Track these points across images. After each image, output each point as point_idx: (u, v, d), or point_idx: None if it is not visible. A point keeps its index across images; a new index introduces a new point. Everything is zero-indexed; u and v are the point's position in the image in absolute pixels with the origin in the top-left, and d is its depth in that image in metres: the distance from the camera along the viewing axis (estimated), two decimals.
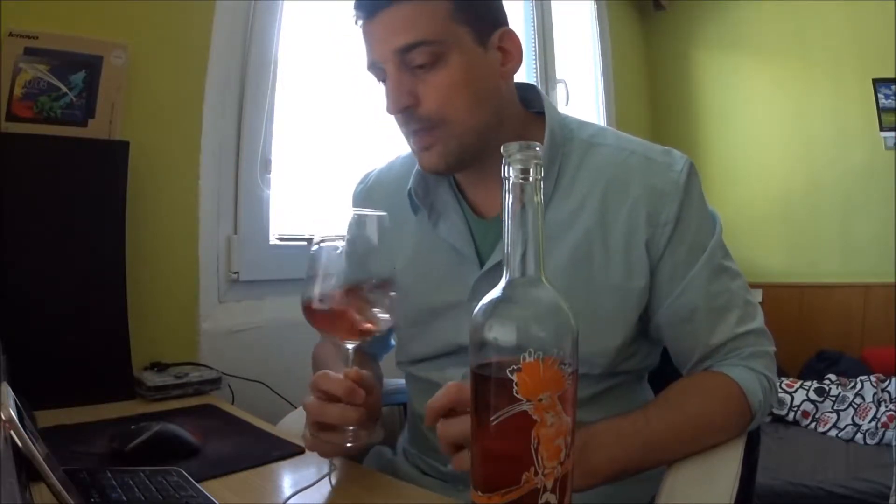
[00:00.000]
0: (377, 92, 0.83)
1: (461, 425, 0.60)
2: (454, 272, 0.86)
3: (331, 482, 0.76)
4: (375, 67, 0.81)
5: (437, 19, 0.76)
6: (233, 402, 1.27)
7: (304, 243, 1.66)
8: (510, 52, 0.82)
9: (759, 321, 0.83)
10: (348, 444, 0.71)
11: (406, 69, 0.78)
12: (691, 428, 0.76)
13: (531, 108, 0.89)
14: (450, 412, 0.62)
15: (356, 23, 0.81)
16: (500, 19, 0.82)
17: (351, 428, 0.71)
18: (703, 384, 0.81)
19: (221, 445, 0.90)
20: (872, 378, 2.30)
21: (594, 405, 0.82)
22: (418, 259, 0.90)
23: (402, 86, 0.78)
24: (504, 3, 0.85)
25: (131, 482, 0.69)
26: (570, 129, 0.86)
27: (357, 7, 0.80)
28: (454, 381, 0.63)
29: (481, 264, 0.84)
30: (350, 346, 0.72)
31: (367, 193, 1.01)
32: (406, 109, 0.79)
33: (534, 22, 2.44)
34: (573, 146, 0.85)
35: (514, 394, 0.47)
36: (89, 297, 1.17)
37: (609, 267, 0.80)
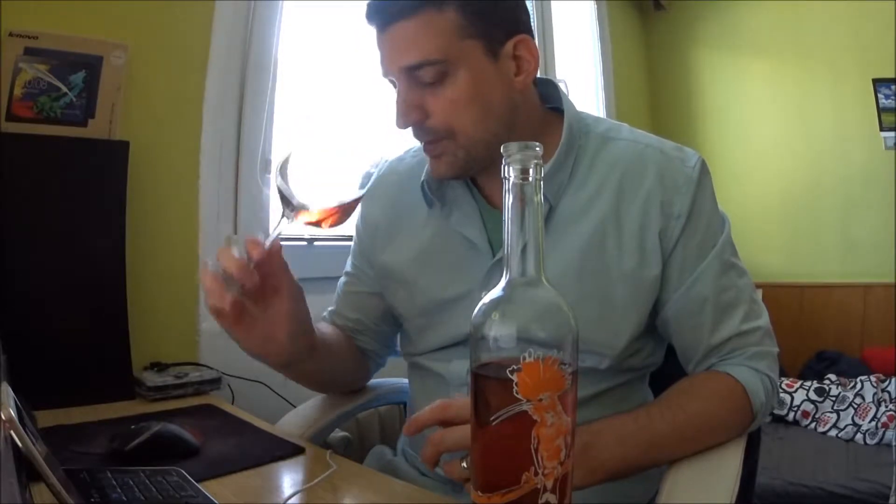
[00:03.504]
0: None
1: (458, 434, 0.61)
2: (467, 262, 0.87)
3: (331, 480, 0.76)
4: (388, 78, 0.82)
5: (443, 37, 0.76)
6: (233, 402, 1.27)
7: (305, 243, 1.66)
8: (525, 61, 0.81)
9: (764, 320, 0.84)
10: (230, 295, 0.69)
11: (414, 84, 0.79)
12: (693, 427, 0.76)
13: (548, 104, 0.90)
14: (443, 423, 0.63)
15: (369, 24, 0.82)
16: (516, 27, 0.82)
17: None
18: (707, 384, 0.81)
19: (221, 445, 0.90)
20: (872, 378, 2.30)
21: (596, 404, 0.82)
22: (431, 250, 0.91)
23: (411, 101, 0.79)
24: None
25: (131, 482, 0.69)
26: (587, 124, 0.88)
27: (367, 18, 0.81)
28: (442, 399, 0.64)
29: (494, 254, 0.85)
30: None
31: (377, 182, 1.00)
32: (415, 124, 0.80)
33: (534, 22, 2.43)
34: (589, 140, 0.86)
35: (514, 394, 0.47)
36: (89, 297, 1.17)
37: (623, 255, 0.81)
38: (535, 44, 0.82)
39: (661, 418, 0.75)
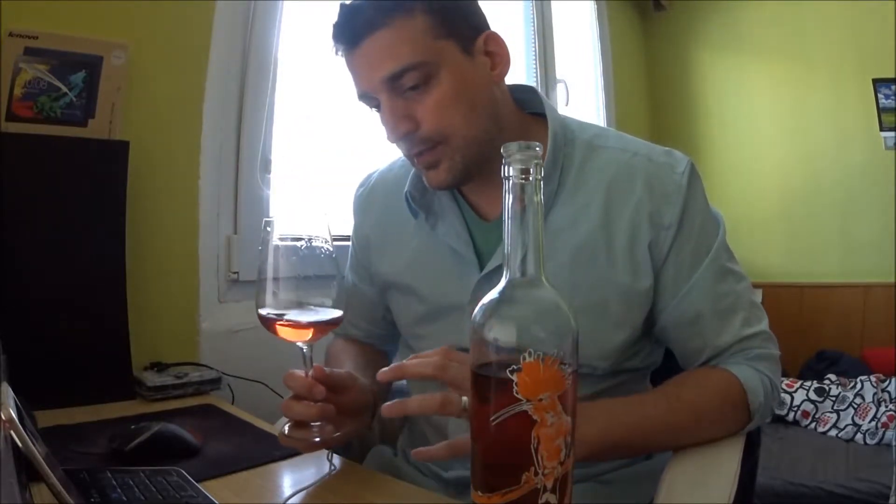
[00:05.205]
0: (372, 117, 0.83)
1: (464, 371, 0.59)
2: (454, 274, 0.86)
3: (331, 480, 0.76)
4: (367, 97, 0.81)
5: (418, 40, 0.75)
6: (233, 402, 1.27)
7: (304, 243, 1.66)
8: (498, 55, 0.81)
9: (764, 324, 0.83)
10: (315, 440, 0.73)
11: (398, 94, 0.77)
12: (686, 414, 0.76)
13: (528, 109, 0.89)
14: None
15: (336, 54, 0.81)
16: (481, 24, 0.82)
17: (316, 424, 0.73)
18: (705, 377, 0.81)
19: (221, 445, 0.90)
20: (872, 378, 2.30)
21: None
22: (419, 260, 0.90)
23: (398, 112, 0.77)
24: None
25: (131, 482, 0.69)
26: (572, 131, 0.86)
27: (336, 39, 0.79)
28: (441, 350, 0.63)
29: (482, 266, 0.84)
30: (304, 346, 0.73)
31: (367, 196, 1.01)
32: (407, 135, 0.78)
33: (534, 22, 2.44)
34: (575, 148, 0.85)
35: (514, 394, 0.47)
36: (89, 297, 1.17)
37: (613, 268, 0.80)
38: (502, 38, 0.82)
39: (653, 402, 0.75)
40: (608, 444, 0.71)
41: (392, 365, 0.67)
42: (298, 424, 0.74)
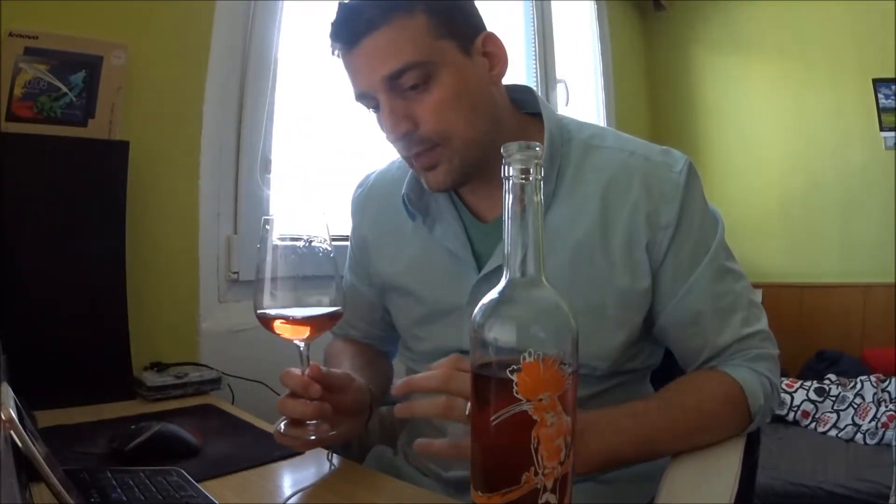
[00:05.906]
0: (371, 117, 0.83)
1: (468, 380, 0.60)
2: (452, 275, 0.86)
3: (331, 480, 0.76)
4: (365, 97, 0.80)
5: (418, 39, 0.75)
6: (233, 402, 1.27)
7: (303, 243, 1.66)
8: (496, 55, 0.81)
9: (763, 323, 0.83)
10: (311, 438, 0.73)
11: (398, 94, 0.77)
12: (689, 424, 0.76)
13: (525, 109, 0.89)
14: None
15: (333, 54, 0.80)
16: (479, 24, 0.82)
17: (312, 422, 0.73)
18: (705, 382, 0.81)
19: (221, 445, 0.90)
20: (872, 378, 2.30)
21: (595, 404, 0.82)
22: (418, 262, 0.90)
23: (398, 111, 0.77)
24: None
25: (131, 482, 0.69)
26: (569, 131, 0.86)
27: (334, 38, 0.79)
28: (449, 361, 0.63)
29: (480, 268, 0.84)
30: (300, 344, 0.74)
31: (365, 197, 1.01)
32: (406, 134, 0.78)
33: (534, 22, 2.44)
34: (572, 147, 0.84)
35: (514, 394, 0.47)
36: (89, 297, 1.17)
37: (611, 269, 0.80)
38: (500, 39, 0.82)
39: (657, 413, 0.75)
40: (616, 459, 0.72)
41: (403, 379, 0.67)
42: (294, 423, 0.74)
